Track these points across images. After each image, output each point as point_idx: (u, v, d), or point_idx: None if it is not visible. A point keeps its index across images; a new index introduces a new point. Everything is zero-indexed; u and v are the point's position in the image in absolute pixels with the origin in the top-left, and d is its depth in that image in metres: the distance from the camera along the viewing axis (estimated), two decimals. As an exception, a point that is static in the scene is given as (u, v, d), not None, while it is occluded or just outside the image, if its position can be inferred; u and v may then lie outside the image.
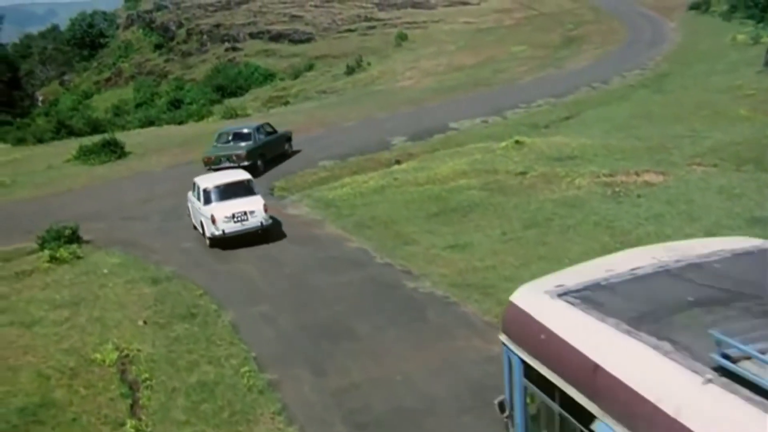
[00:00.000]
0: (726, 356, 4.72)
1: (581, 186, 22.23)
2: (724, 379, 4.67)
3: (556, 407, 6.24)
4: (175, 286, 18.12)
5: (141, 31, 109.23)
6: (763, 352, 4.64)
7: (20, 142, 51.82)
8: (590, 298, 6.30)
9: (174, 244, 22.10)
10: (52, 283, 19.24)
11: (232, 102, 65.13)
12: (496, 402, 7.27)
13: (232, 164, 28.32)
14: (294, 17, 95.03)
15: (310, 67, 79.55)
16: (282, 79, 78.43)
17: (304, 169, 29.77)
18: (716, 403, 4.57)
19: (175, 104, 72.46)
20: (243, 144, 30.19)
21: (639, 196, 20.63)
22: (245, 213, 20.81)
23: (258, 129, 31.68)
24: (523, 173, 24.41)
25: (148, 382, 13.21)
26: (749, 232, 16.99)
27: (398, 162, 29.33)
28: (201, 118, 57.74)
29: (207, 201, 21.23)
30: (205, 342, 14.67)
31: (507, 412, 7.19)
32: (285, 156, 32.64)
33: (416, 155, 30.24)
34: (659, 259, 6.92)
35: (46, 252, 21.25)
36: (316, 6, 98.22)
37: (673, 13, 74.00)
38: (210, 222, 20.76)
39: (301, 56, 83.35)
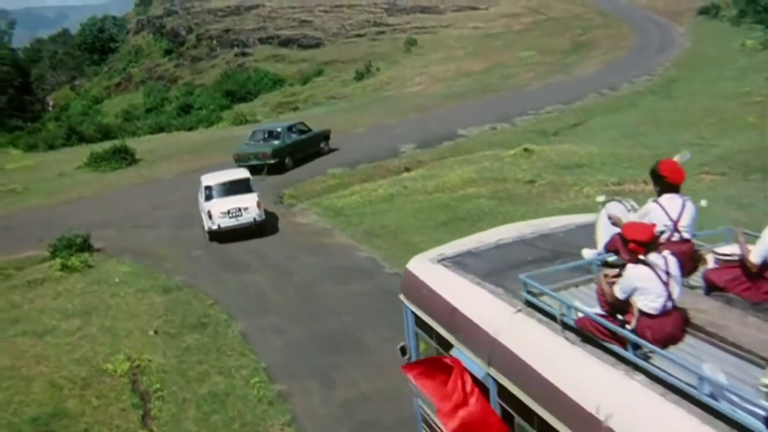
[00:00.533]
0: (530, 293, 6.73)
1: (589, 195, 22.20)
2: (529, 309, 6.72)
3: (433, 344, 8.28)
4: (185, 296, 18.26)
5: (151, 36, 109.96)
6: (555, 291, 6.64)
7: (32, 148, 52.37)
8: (460, 261, 8.41)
9: (184, 252, 22.25)
10: (63, 292, 19.40)
11: (241, 108, 65.38)
12: (398, 347, 9.36)
13: (259, 162, 30.74)
14: (303, 22, 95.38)
15: (320, 73, 79.83)
16: (291, 85, 78.72)
17: (314, 176, 29.89)
18: (520, 326, 6.65)
19: (185, 109, 72.77)
20: (272, 143, 31.78)
21: (647, 205, 20.69)
22: (240, 209, 22.59)
23: (290, 128, 33.28)
24: (532, 182, 24.47)
25: (159, 393, 13.34)
26: (757, 242, 17.08)
27: (407, 170, 29.45)
28: (211, 123, 58.06)
29: (207, 197, 23.11)
30: (216, 352, 14.79)
31: (407, 355, 9.22)
32: (320, 154, 34.09)
33: (425, 163, 30.34)
34: (519, 232, 9.14)
35: (58, 260, 21.46)
36: (325, 11, 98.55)
37: (682, 18, 74.00)
38: (207, 217, 22.58)
39: (310, 61, 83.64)
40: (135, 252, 22.56)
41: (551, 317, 6.40)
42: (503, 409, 6.88)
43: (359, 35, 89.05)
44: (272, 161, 30.97)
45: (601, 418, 5.17)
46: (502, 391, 6.78)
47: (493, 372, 6.84)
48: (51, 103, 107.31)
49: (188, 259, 21.63)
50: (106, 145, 41.86)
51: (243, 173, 24.21)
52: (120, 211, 28.08)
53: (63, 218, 27.33)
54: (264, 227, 22.97)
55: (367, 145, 35.09)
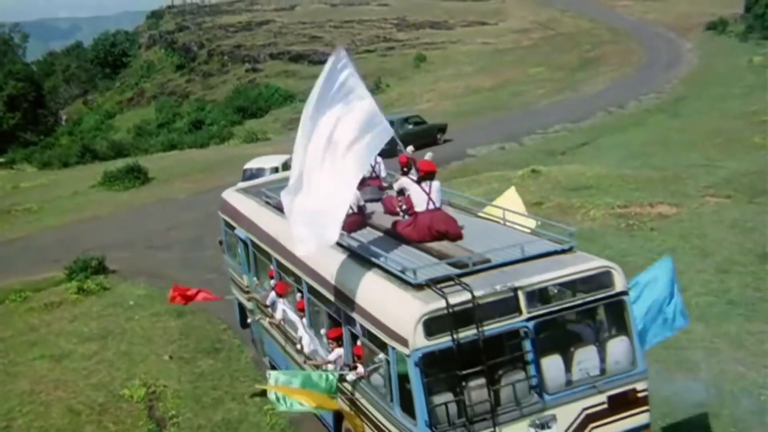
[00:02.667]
0: (266, 196, 14.08)
1: (596, 218, 22.55)
2: (266, 203, 13.99)
3: (231, 233, 15.67)
4: (199, 320, 18.65)
5: (163, 51, 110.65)
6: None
7: (46, 165, 53.10)
8: (246, 190, 15.90)
9: (197, 275, 22.54)
10: (80, 315, 19.86)
11: (252, 124, 65.92)
12: (218, 240, 17.36)
13: None
14: (314, 38, 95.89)
15: (330, 89, 79.99)
16: (302, 101, 78.82)
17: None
18: (259, 211, 14.09)
19: (197, 125, 73.21)
20: None
21: (652, 229, 20.94)
22: None
23: (405, 120, 39.09)
24: (539, 204, 24.69)
25: (174, 420, 13.71)
26: (761, 268, 17.36)
27: (416, 191, 29.70)
28: (222, 140, 58.63)
29: (242, 179, 27.94)
30: (229, 378, 15.17)
31: (222, 245, 16.99)
32: (436, 144, 37.92)
33: (434, 183, 30.60)
34: (284, 176, 14.01)
35: (74, 283, 21.90)
36: (335, 27, 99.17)
37: (690, 34, 74.22)
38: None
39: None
40: (149, 274, 23.00)
41: (268, 204, 13.80)
42: (254, 253, 14.39)
43: (369, 51, 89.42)
44: (384, 147, 33.38)
45: (255, 221, 13.76)
46: (253, 244, 14.24)
47: (250, 235, 14.28)
48: (64, 117, 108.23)
49: (202, 282, 21.74)
50: (119, 163, 42.50)
51: (271, 162, 28.78)
52: (134, 232, 28.53)
53: (78, 238, 27.89)
54: None
55: (377, 164, 35.43)
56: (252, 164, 29.35)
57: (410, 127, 38.32)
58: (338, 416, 10.96)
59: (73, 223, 31.48)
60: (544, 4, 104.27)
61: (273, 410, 13.56)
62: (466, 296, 8.64)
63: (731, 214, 21.44)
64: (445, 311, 8.51)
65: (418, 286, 8.91)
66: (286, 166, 27.58)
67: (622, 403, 9.33)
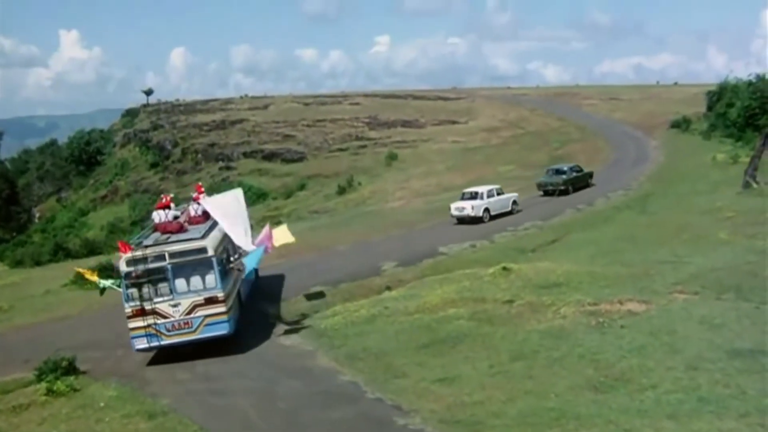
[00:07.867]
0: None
1: (566, 315, 22.70)
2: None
3: None
4: (170, 421, 18.44)
5: (137, 149, 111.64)
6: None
7: (18, 264, 52.73)
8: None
9: (168, 374, 22.50)
10: (49, 417, 19.58)
11: (226, 221, 65.99)
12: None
13: (553, 188, 50.34)
14: (287, 137, 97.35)
15: (302, 187, 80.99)
16: (275, 198, 79.80)
17: (298, 295, 30.29)
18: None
19: (170, 223, 73.34)
20: (561, 176, 51.05)
21: (622, 326, 21.05)
22: (464, 208, 43.53)
23: (571, 168, 52.42)
24: (510, 302, 24.90)
25: None
26: (730, 364, 17.53)
27: (389, 288, 29.94)
28: (196, 237, 58.56)
29: (460, 199, 44.68)
30: (200, 482, 14.94)
31: None
32: (588, 186, 52.08)
33: (406, 281, 30.82)
34: None
35: (44, 384, 21.62)
36: (308, 125, 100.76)
37: (656, 132, 76.09)
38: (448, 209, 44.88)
39: (293, 175, 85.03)
40: (120, 374, 22.81)
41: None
42: None
43: (341, 149, 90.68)
44: (562, 188, 49.90)
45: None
46: None
47: None
48: (37, 214, 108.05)
49: (173, 381, 21.86)
50: (92, 261, 42.29)
51: (484, 188, 44.75)
52: (105, 331, 28.23)
53: (49, 338, 27.58)
54: (478, 220, 42.73)
55: (350, 262, 35.67)
56: (469, 189, 45.34)
57: (574, 174, 51.52)
58: None
59: (45, 323, 31.18)
60: (513, 102, 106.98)
61: None
62: (141, 252, 23.00)
63: (699, 311, 21.64)
64: (132, 257, 22.91)
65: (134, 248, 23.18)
66: (491, 193, 44.13)
67: (211, 300, 23.07)
